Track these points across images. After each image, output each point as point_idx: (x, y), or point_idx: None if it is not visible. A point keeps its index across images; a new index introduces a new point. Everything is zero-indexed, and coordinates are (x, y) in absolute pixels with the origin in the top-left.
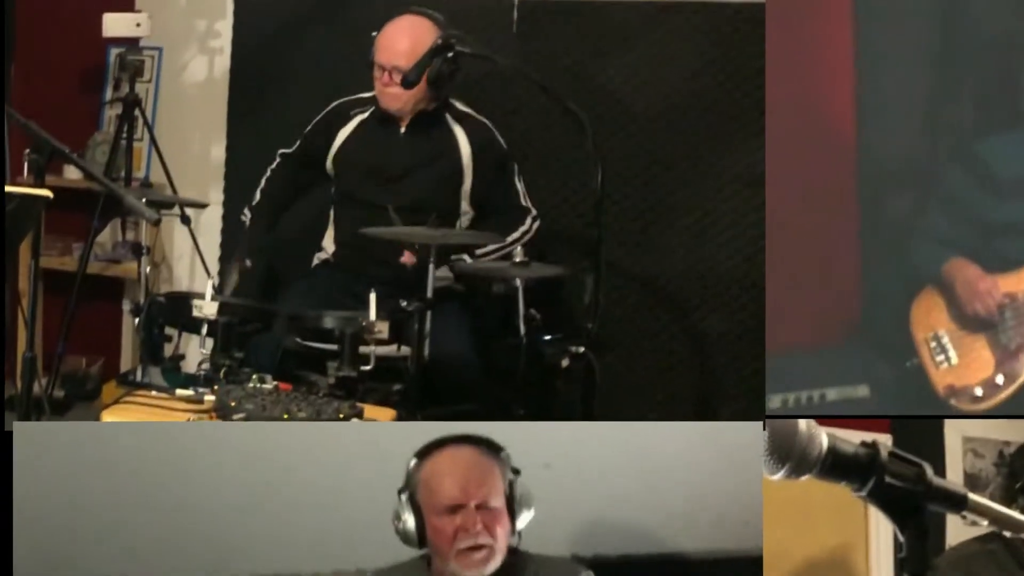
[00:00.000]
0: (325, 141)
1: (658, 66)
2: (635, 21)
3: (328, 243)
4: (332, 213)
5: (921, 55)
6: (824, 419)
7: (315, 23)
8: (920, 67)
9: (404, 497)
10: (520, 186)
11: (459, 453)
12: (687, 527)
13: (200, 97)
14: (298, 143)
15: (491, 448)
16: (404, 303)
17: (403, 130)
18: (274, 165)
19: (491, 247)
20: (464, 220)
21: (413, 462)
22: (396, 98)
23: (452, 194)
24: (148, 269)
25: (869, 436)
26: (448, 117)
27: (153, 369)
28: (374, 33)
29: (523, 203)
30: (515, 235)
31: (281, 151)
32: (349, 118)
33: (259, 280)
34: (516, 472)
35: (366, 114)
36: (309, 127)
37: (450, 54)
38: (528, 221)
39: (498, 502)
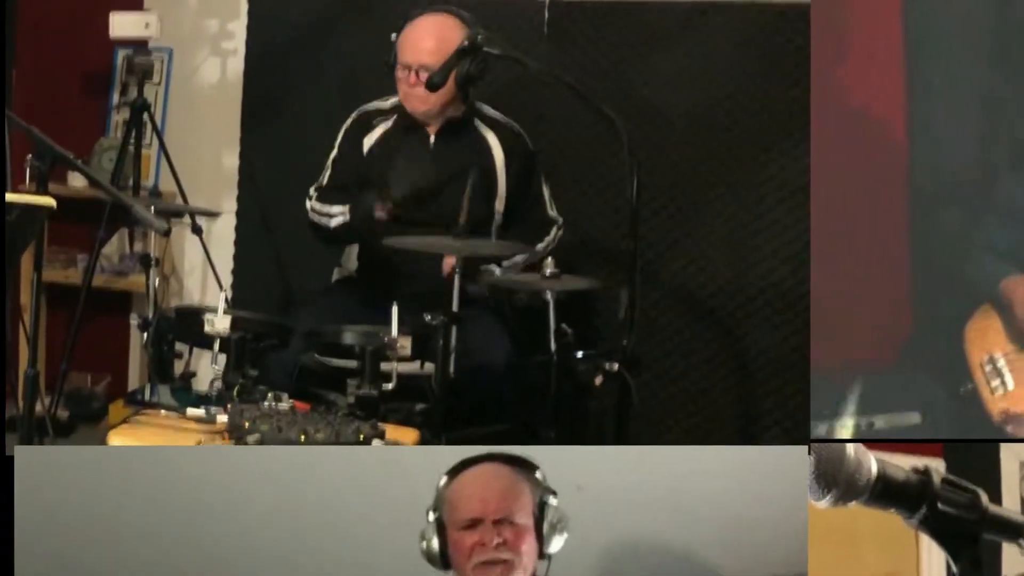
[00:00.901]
0: (356, 153)
1: (698, 69)
2: (673, 22)
3: (349, 259)
4: None
5: (975, 57)
6: (873, 443)
7: (334, 23)
8: (974, 69)
9: (431, 516)
10: (547, 193)
11: (485, 469)
12: (727, 556)
13: (212, 101)
14: (329, 172)
15: (522, 465)
16: (428, 317)
17: (432, 139)
18: (312, 202)
19: (518, 259)
20: (494, 232)
21: (443, 480)
22: (423, 100)
23: (486, 205)
24: (157, 282)
25: (920, 461)
26: (478, 123)
27: (162, 388)
28: (394, 35)
29: (549, 213)
30: (540, 246)
31: (316, 186)
32: (372, 127)
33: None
34: (552, 492)
35: (390, 123)
36: (335, 151)
37: (478, 55)
38: (553, 231)
39: (524, 519)
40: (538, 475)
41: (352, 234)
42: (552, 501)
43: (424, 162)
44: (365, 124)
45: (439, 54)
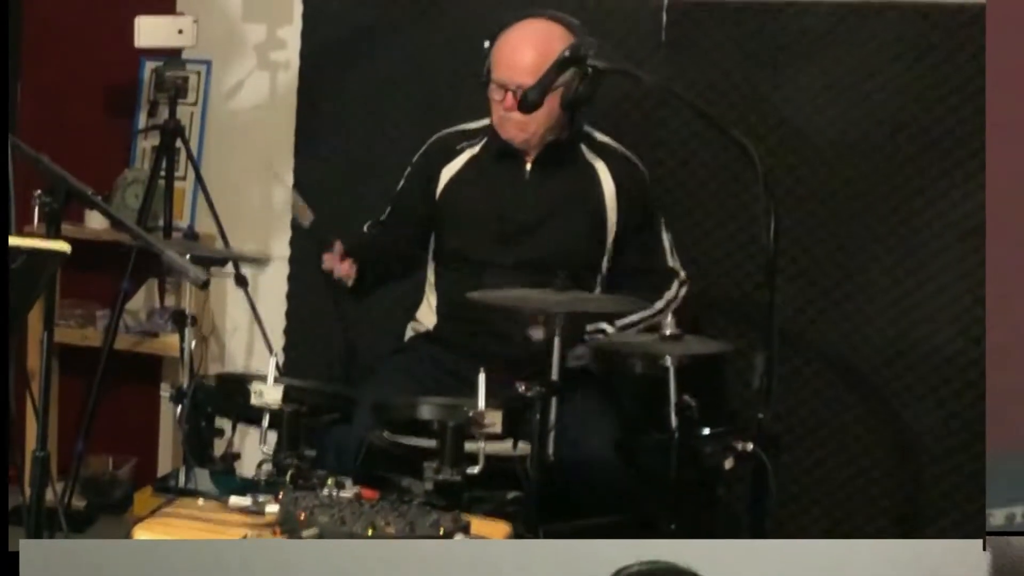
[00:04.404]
0: (426, 188)
1: (849, 84)
2: (819, 26)
3: (426, 313)
4: (431, 275)
5: None
6: None
7: (407, 27)
8: None
9: None
10: (667, 241)
11: None
12: None
13: (259, 124)
14: (389, 208)
15: None
16: (522, 387)
17: (529, 167)
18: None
19: (634, 317)
20: (603, 278)
21: None
22: (522, 127)
23: (594, 247)
24: (193, 344)
25: None
26: (584, 149)
27: (199, 472)
28: (487, 43)
29: (669, 262)
30: (659, 304)
31: (370, 223)
32: (455, 153)
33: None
34: None
35: (477, 148)
36: (402, 182)
37: (583, 69)
38: (675, 287)
39: None
40: None
41: (339, 289)
42: None
43: (518, 196)
44: (445, 151)
45: (541, 71)
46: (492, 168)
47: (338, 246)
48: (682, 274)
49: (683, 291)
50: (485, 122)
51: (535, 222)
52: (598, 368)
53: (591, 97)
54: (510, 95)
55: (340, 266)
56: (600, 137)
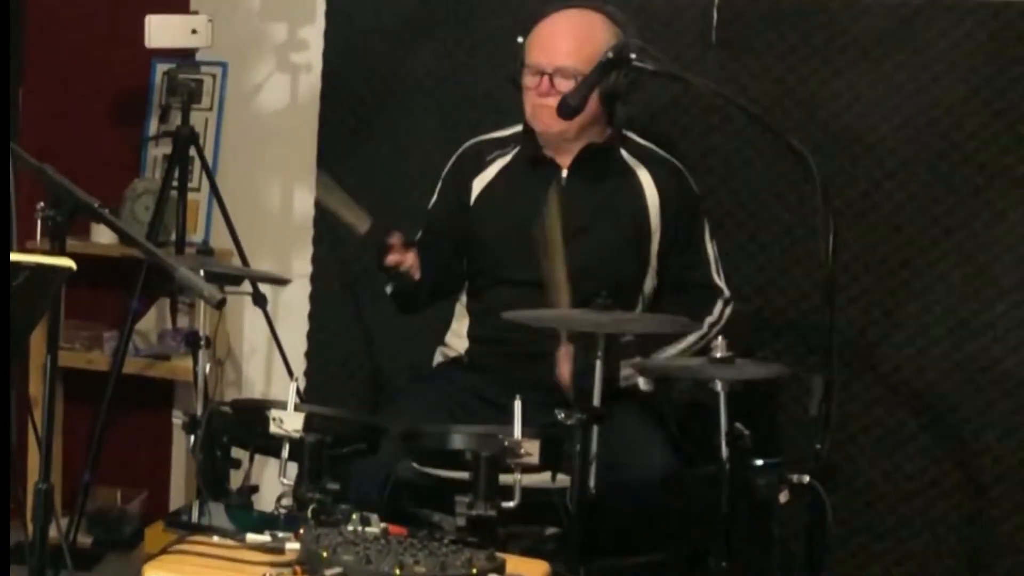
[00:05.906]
0: (460, 201)
1: (912, 89)
2: (881, 27)
3: (456, 337)
4: (463, 296)
5: None
6: None
7: (434, 28)
8: None
9: None
10: (712, 254)
11: None
12: None
13: (279, 130)
14: (424, 226)
15: None
16: (561, 415)
17: (565, 174)
18: None
19: (671, 350)
20: (646, 295)
21: None
22: (558, 117)
23: (636, 262)
24: (208, 368)
25: None
26: (625, 154)
27: (215, 506)
28: (520, 39)
29: (715, 279)
30: (700, 331)
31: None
32: (485, 164)
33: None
34: None
35: (508, 157)
36: (435, 197)
37: (625, 68)
38: (718, 307)
39: None
40: None
41: (405, 302)
42: None
43: (553, 206)
44: (476, 162)
45: (580, 56)
46: (525, 178)
47: (397, 236)
48: (726, 292)
49: (728, 311)
50: (517, 128)
51: (576, 233)
52: (644, 392)
53: (631, 92)
54: (546, 79)
55: (407, 256)
56: (640, 141)
